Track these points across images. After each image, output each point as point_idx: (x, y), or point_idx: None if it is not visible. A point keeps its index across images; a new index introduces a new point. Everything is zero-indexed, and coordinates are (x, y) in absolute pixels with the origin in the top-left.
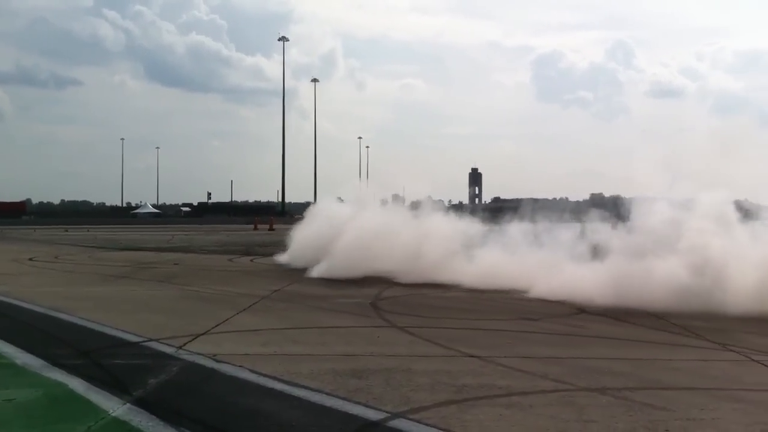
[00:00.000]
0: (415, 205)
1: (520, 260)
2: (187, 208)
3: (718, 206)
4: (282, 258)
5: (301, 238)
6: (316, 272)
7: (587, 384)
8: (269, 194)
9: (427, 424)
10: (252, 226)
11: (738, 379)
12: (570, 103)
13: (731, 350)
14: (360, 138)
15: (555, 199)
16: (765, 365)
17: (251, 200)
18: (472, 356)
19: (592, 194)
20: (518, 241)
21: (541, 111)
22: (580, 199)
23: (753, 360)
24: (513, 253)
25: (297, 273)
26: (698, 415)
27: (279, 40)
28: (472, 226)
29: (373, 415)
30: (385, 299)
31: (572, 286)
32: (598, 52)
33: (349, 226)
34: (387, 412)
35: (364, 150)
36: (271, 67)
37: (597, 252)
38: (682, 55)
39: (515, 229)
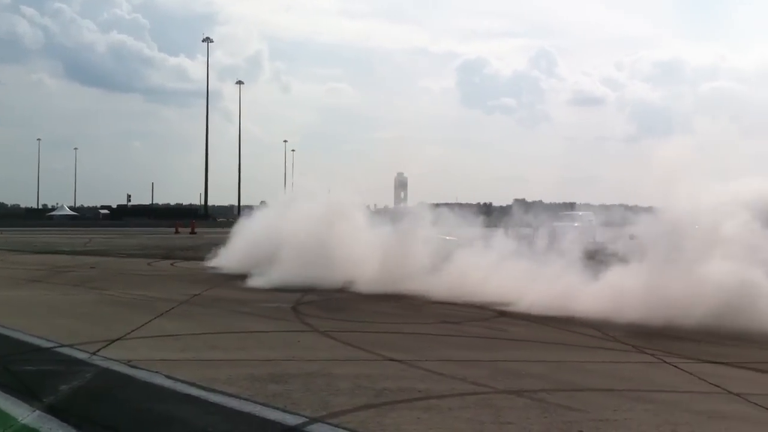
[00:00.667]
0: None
1: (501, 271)
2: (105, 211)
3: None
4: (215, 262)
5: (242, 243)
6: (261, 281)
7: (505, 386)
8: (192, 197)
9: (345, 429)
10: (173, 229)
11: (650, 381)
12: (494, 110)
13: (644, 352)
14: (285, 141)
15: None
16: (676, 367)
17: (173, 203)
18: (392, 360)
19: (515, 199)
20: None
21: (466, 116)
22: (504, 204)
23: (665, 362)
24: (487, 263)
25: (222, 278)
26: (611, 416)
27: (203, 41)
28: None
29: (291, 420)
30: (307, 303)
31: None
32: (521, 60)
33: (301, 232)
34: (305, 416)
35: (289, 153)
36: (195, 68)
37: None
38: (602, 65)
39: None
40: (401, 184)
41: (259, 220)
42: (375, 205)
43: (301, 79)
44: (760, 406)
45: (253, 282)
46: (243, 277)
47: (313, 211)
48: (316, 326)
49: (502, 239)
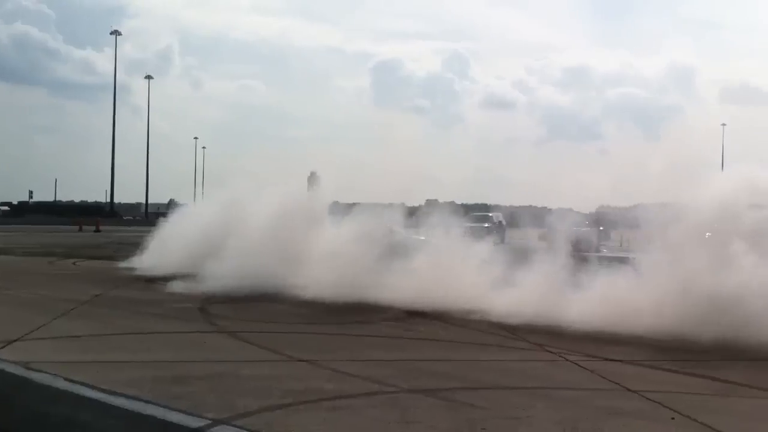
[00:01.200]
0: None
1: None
2: (5, 208)
3: None
4: (134, 262)
5: (172, 243)
6: (193, 285)
7: (412, 386)
8: (97, 194)
9: (250, 430)
10: (77, 227)
11: (553, 379)
12: (408, 110)
13: (548, 351)
14: (196, 138)
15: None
16: (578, 365)
17: (78, 200)
18: (301, 360)
19: (428, 200)
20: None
21: (380, 117)
22: (416, 204)
23: (568, 360)
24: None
25: (130, 278)
26: (515, 414)
27: (111, 33)
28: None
29: (194, 422)
30: (215, 304)
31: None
32: (435, 62)
33: (255, 231)
34: (209, 418)
35: (200, 150)
36: (103, 61)
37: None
38: (514, 69)
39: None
40: (314, 183)
41: (194, 217)
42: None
43: (213, 75)
44: (655, 402)
45: (184, 285)
46: (168, 278)
47: (270, 208)
48: (224, 327)
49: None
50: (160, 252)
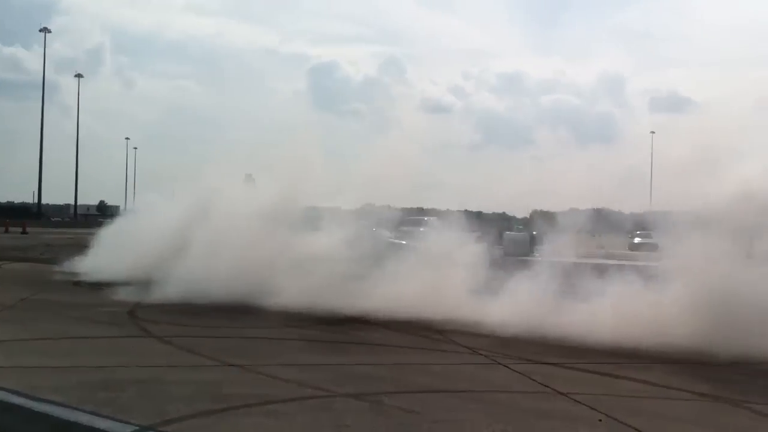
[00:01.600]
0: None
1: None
2: None
3: None
4: (77, 266)
5: (121, 247)
6: (154, 294)
7: (346, 390)
8: (25, 195)
9: None
10: (2, 228)
11: (484, 381)
12: (345, 114)
13: (480, 354)
14: (128, 139)
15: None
16: (510, 368)
17: (4, 201)
18: (233, 365)
19: (366, 204)
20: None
21: (317, 120)
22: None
23: (499, 363)
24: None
25: (61, 282)
26: (446, 417)
27: (40, 31)
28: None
29: (121, 428)
30: (145, 308)
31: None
32: (372, 66)
33: (211, 234)
34: (137, 425)
35: (131, 151)
36: (31, 59)
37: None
38: (450, 74)
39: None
40: (250, 186)
41: (148, 220)
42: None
43: (146, 75)
44: (584, 404)
45: (127, 291)
46: (111, 284)
47: (245, 211)
48: (154, 332)
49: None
50: (108, 255)
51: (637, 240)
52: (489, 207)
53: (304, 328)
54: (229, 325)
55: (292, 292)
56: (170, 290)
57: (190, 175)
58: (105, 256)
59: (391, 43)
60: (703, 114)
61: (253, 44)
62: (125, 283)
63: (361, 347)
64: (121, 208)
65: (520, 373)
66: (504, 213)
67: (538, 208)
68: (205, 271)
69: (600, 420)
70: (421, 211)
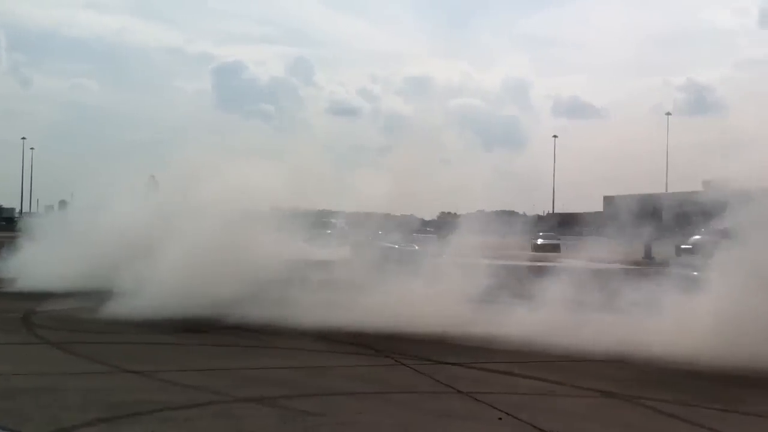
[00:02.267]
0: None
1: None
2: None
3: None
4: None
5: (58, 252)
6: (118, 308)
7: (247, 394)
8: None
9: None
10: None
11: (388, 383)
12: (252, 115)
13: (387, 356)
14: (24, 139)
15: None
16: (414, 369)
17: None
18: (130, 372)
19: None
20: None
21: (223, 120)
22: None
23: (403, 364)
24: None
25: None
26: (349, 419)
27: None
28: None
29: None
30: (40, 314)
31: None
32: (279, 67)
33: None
34: None
35: (28, 152)
36: None
37: None
38: (358, 76)
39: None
40: (153, 188)
41: (91, 223)
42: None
43: (44, 73)
44: (485, 403)
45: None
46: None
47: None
48: (49, 338)
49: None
50: (35, 263)
51: (540, 241)
52: (398, 209)
53: (209, 333)
54: (132, 331)
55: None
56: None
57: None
58: (39, 261)
59: (299, 45)
60: (603, 118)
61: (157, 43)
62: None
63: (257, 350)
64: (17, 210)
65: (423, 374)
66: (412, 215)
67: (446, 210)
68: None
69: (500, 418)
70: (329, 214)
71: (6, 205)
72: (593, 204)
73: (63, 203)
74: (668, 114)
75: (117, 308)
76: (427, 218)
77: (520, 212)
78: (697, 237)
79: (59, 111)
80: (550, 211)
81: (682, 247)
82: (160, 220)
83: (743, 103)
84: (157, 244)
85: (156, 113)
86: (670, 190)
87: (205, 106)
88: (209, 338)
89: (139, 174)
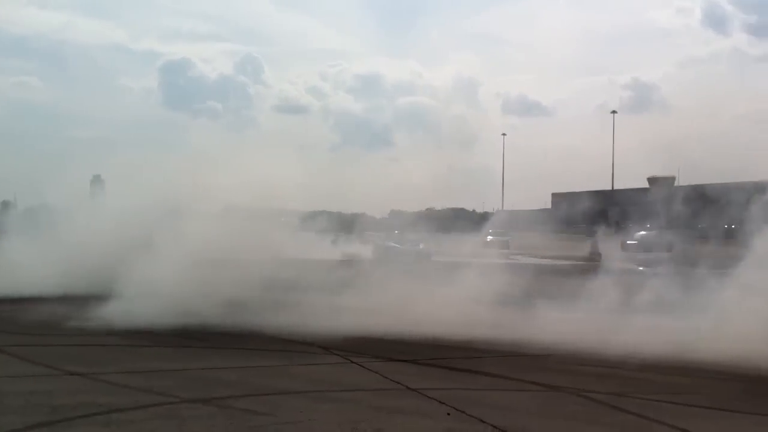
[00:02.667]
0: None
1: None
2: None
3: None
4: None
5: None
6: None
7: (192, 395)
8: None
9: None
10: None
11: (337, 381)
12: (199, 113)
13: (334, 354)
14: None
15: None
16: (362, 366)
17: None
18: (73, 374)
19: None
20: None
21: (169, 119)
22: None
23: (352, 362)
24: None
25: None
26: (297, 418)
27: None
28: None
29: None
30: None
31: None
32: (227, 64)
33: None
34: None
35: None
36: None
37: None
38: (307, 74)
39: None
40: (97, 187)
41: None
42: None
43: None
44: (433, 399)
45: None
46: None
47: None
48: None
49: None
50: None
51: (489, 238)
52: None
53: (152, 335)
54: (68, 333)
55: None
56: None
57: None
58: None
59: (247, 42)
60: (551, 117)
61: (101, 40)
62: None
63: (205, 351)
64: None
65: (373, 371)
66: (364, 213)
67: (396, 208)
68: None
69: (449, 413)
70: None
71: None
72: (542, 201)
73: (5, 204)
74: (614, 112)
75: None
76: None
77: (470, 209)
78: (643, 232)
79: (1, 109)
80: (500, 208)
81: (628, 242)
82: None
83: (686, 101)
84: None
85: (101, 111)
86: (616, 187)
87: (151, 104)
88: (157, 339)
89: (85, 173)
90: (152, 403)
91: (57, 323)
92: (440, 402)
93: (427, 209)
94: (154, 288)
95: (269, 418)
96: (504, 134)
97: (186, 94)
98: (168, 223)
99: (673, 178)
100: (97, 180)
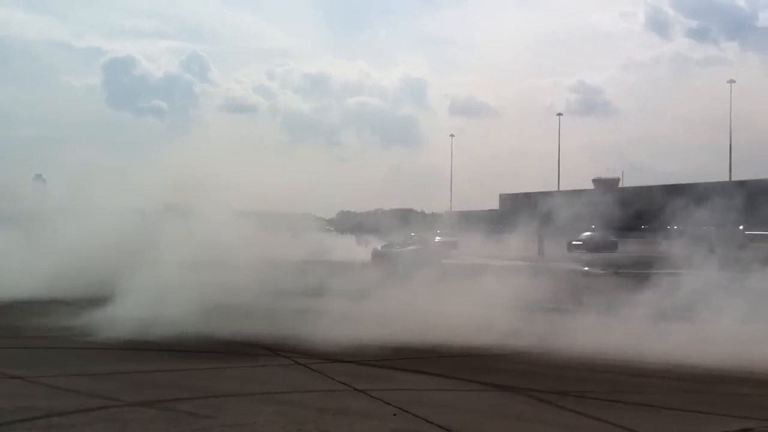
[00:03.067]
0: None
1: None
2: None
3: None
4: None
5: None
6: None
7: (135, 398)
8: None
9: None
10: None
11: (283, 383)
12: (144, 112)
13: (281, 356)
14: None
15: None
16: (308, 368)
17: None
18: (13, 377)
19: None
20: None
21: (113, 117)
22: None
23: (299, 364)
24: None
25: None
26: (241, 420)
27: None
28: None
29: None
30: None
31: None
32: (173, 63)
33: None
34: None
35: None
36: None
37: None
38: (254, 73)
39: None
40: (39, 187)
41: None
42: None
43: None
44: (379, 400)
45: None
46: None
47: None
48: None
49: None
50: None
51: (437, 239)
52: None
53: (89, 335)
54: (16, 335)
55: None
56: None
57: None
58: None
59: (193, 40)
60: (498, 118)
61: (42, 36)
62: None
63: (150, 353)
64: None
65: (319, 372)
66: (311, 213)
67: (345, 209)
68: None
69: (394, 414)
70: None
71: None
72: (490, 202)
73: None
74: (559, 114)
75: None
76: (327, 217)
77: (418, 210)
78: (588, 233)
79: None
80: (448, 209)
81: (573, 243)
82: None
83: (629, 104)
84: None
85: (43, 109)
86: (562, 188)
87: (95, 102)
88: (101, 342)
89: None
90: (95, 406)
91: (18, 327)
92: (386, 403)
93: (375, 210)
94: (139, 292)
95: (213, 421)
96: (452, 135)
97: (130, 92)
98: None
99: (617, 180)
100: (38, 179)
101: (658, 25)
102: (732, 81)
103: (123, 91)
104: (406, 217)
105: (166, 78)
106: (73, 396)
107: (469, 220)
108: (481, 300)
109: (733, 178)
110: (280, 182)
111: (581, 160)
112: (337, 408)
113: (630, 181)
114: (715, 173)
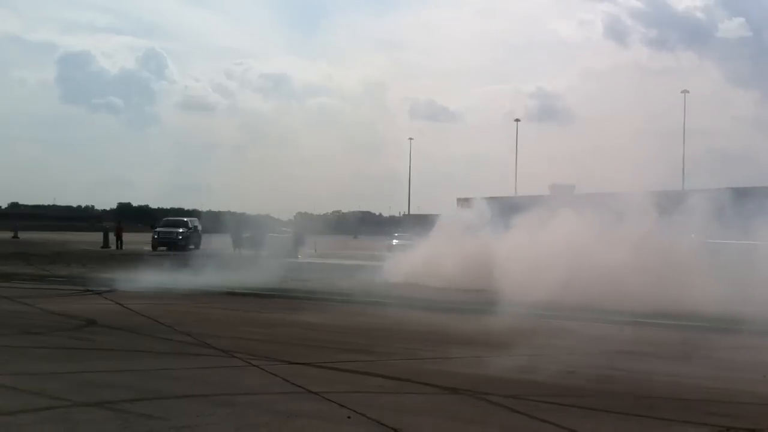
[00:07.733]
0: None
1: None
2: None
3: None
4: None
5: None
6: None
7: (85, 399)
8: None
9: None
10: None
11: (236, 384)
12: (99, 108)
13: (235, 357)
14: None
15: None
16: (262, 369)
17: None
18: None
19: (120, 203)
20: None
21: (67, 114)
22: (107, 208)
23: (252, 365)
24: None
25: None
26: (193, 422)
27: None
28: None
29: None
30: None
31: None
32: (129, 59)
33: None
34: None
35: None
36: None
37: None
38: (213, 72)
39: None
40: None
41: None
42: None
43: None
44: (334, 402)
45: None
46: None
47: None
48: None
49: None
50: None
51: (395, 242)
52: (255, 208)
53: (36, 333)
54: None
55: None
56: None
57: None
58: None
59: (149, 37)
60: (458, 122)
61: None
62: None
63: (98, 353)
64: None
65: (274, 374)
66: (269, 215)
67: (303, 210)
68: None
69: (349, 417)
70: (181, 213)
71: None
72: (448, 205)
73: None
74: (517, 120)
75: None
76: (284, 218)
77: (377, 213)
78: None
79: None
80: (406, 212)
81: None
82: None
83: (587, 111)
84: None
85: None
86: (519, 193)
87: (47, 98)
88: (49, 341)
89: None
90: (43, 406)
91: None
92: (341, 405)
93: (333, 212)
94: None
95: (164, 423)
96: (411, 138)
97: (85, 88)
98: None
99: (573, 186)
100: None
101: (616, 34)
102: (686, 91)
103: (77, 86)
104: (364, 219)
105: (121, 74)
106: (21, 396)
107: (428, 223)
108: None
109: (686, 188)
110: (237, 183)
111: (539, 166)
112: (291, 410)
113: (585, 188)
114: (670, 183)
